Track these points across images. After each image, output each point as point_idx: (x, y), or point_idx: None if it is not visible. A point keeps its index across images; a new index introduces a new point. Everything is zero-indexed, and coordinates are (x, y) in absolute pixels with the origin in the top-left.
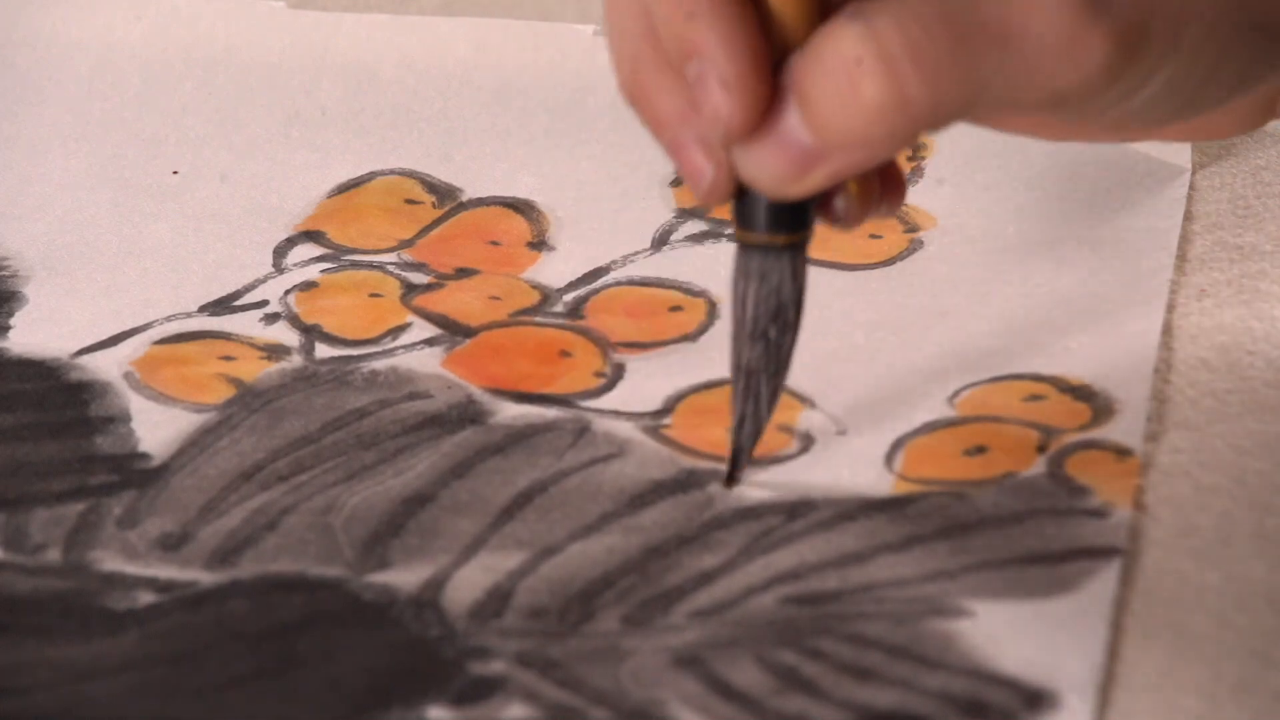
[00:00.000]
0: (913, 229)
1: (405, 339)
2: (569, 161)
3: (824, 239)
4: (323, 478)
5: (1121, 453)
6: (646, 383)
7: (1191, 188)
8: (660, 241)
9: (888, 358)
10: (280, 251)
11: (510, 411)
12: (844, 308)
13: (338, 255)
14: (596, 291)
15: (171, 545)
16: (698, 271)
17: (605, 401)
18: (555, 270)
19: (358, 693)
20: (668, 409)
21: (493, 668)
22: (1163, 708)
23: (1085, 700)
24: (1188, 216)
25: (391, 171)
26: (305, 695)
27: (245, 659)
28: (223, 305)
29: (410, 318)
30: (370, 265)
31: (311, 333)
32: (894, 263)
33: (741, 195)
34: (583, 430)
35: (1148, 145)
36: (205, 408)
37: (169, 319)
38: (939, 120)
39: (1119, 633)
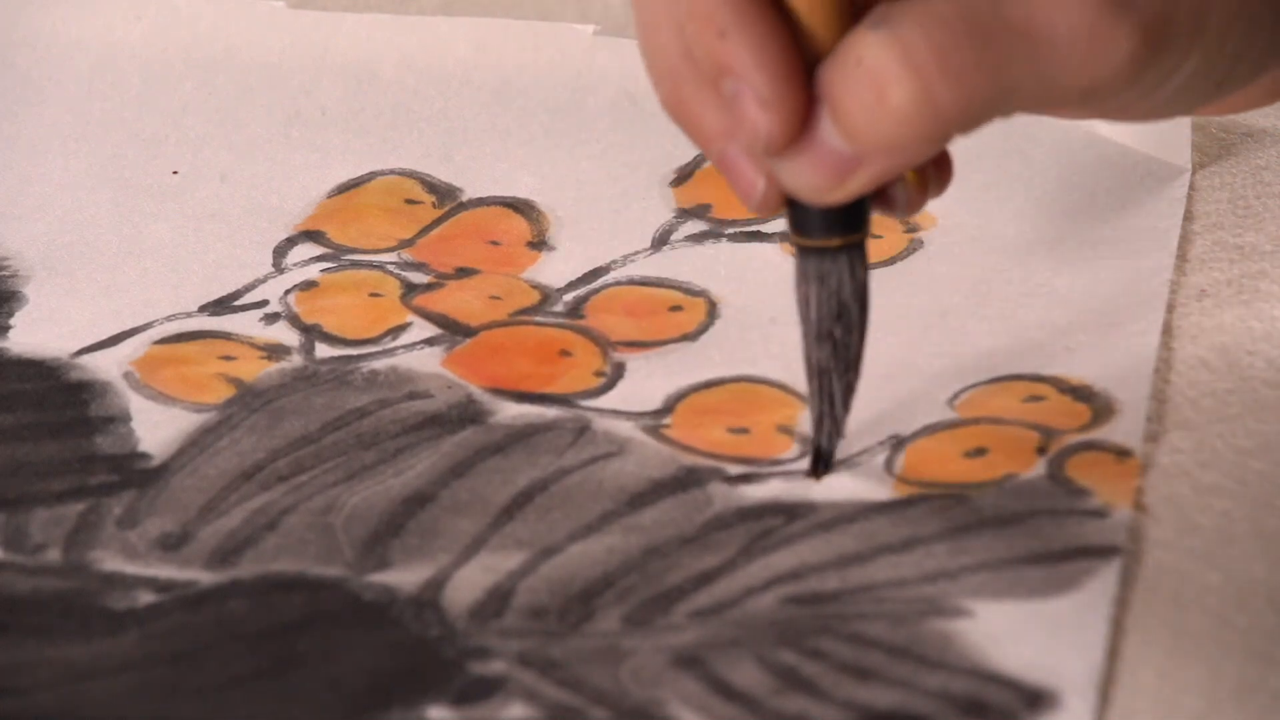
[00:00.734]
0: (913, 229)
1: (405, 339)
2: (569, 161)
3: None
4: (323, 478)
5: (1121, 454)
6: (646, 382)
7: (1191, 188)
8: (660, 241)
9: (888, 358)
10: (280, 251)
11: (510, 411)
12: None
13: (338, 255)
14: (596, 291)
15: (171, 545)
16: (698, 271)
17: (605, 401)
18: (555, 270)
19: (358, 693)
20: (668, 408)
21: (493, 668)
22: (1163, 708)
23: (1085, 700)
24: (1188, 216)
25: (391, 171)
26: (305, 695)
27: (245, 659)
28: (223, 305)
29: (410, 317)
30: (370, 265)
31: (311, 332)
32: (894, 263)
33: (794, 201)
34: (583, 429)
35: (1148, 145)
36: (205, 407)
37: (169, 319)
38: (969, 122)
39: (1119, 632)
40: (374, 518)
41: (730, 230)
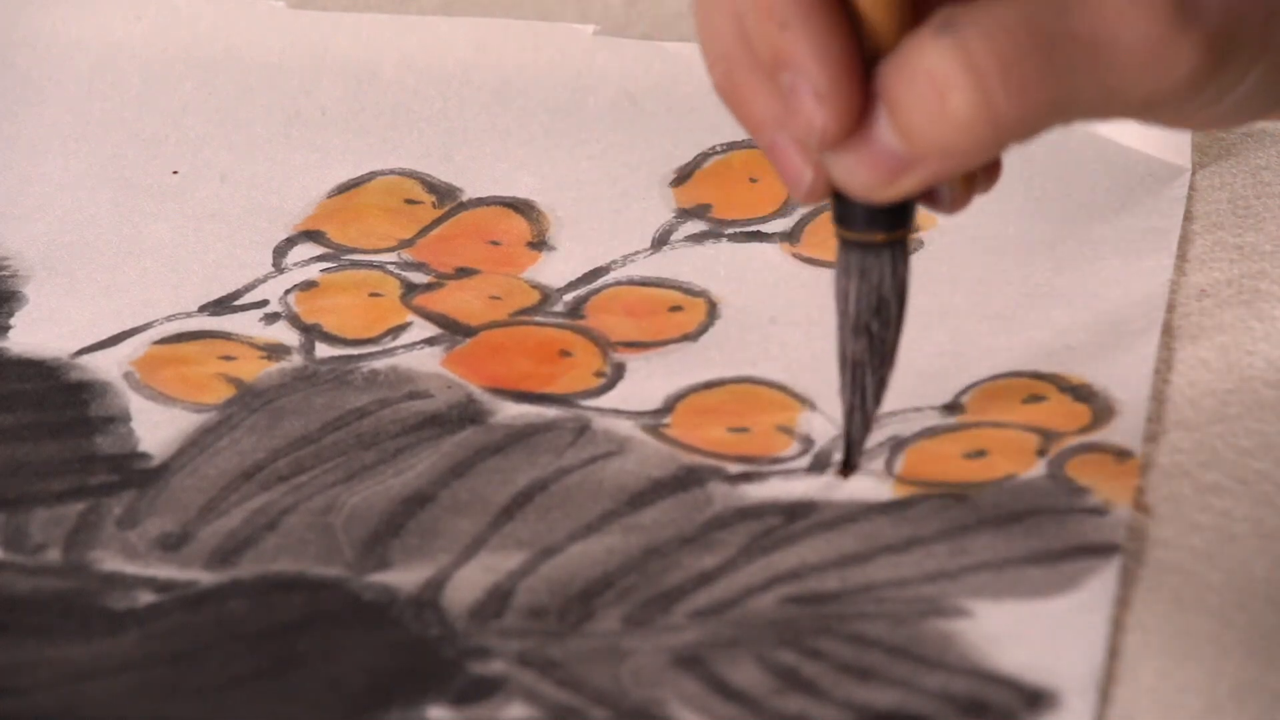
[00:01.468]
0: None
1: (405, 338)
2: (569, 161)
3: (824, 239)
4: (323, 478)
5: (1121, 454)
6: (646, 382)
7: (1191, 188)
8: (660, 241)
9: None
10: (280, 251)
11: (510, 411)
12: None
13: (338, 255)
14: (596, 291)
15: (171, 545)
16: (698, 271)
17: (605, 401)
18: (555, 270)
19: (358, 693)
20: (668, 408)
21: (493, 668)
22: (1163, 707)
23: (1085, 700)
24: (1188, 216)
25: (391, 171)
26: (305, 695)
27: (245, 659)
28: (223, 305)
29: (410, 317)
30: (370, 265)
31: (311, 332)
32: None
33: (839, 193)
34: (583, 429)
35: (1148, 145)
36: (205, 407)
37: (169, 319)
38: (1028, 131)
39: (1119, 632)
40: (374, 518)
41: (730, 230)
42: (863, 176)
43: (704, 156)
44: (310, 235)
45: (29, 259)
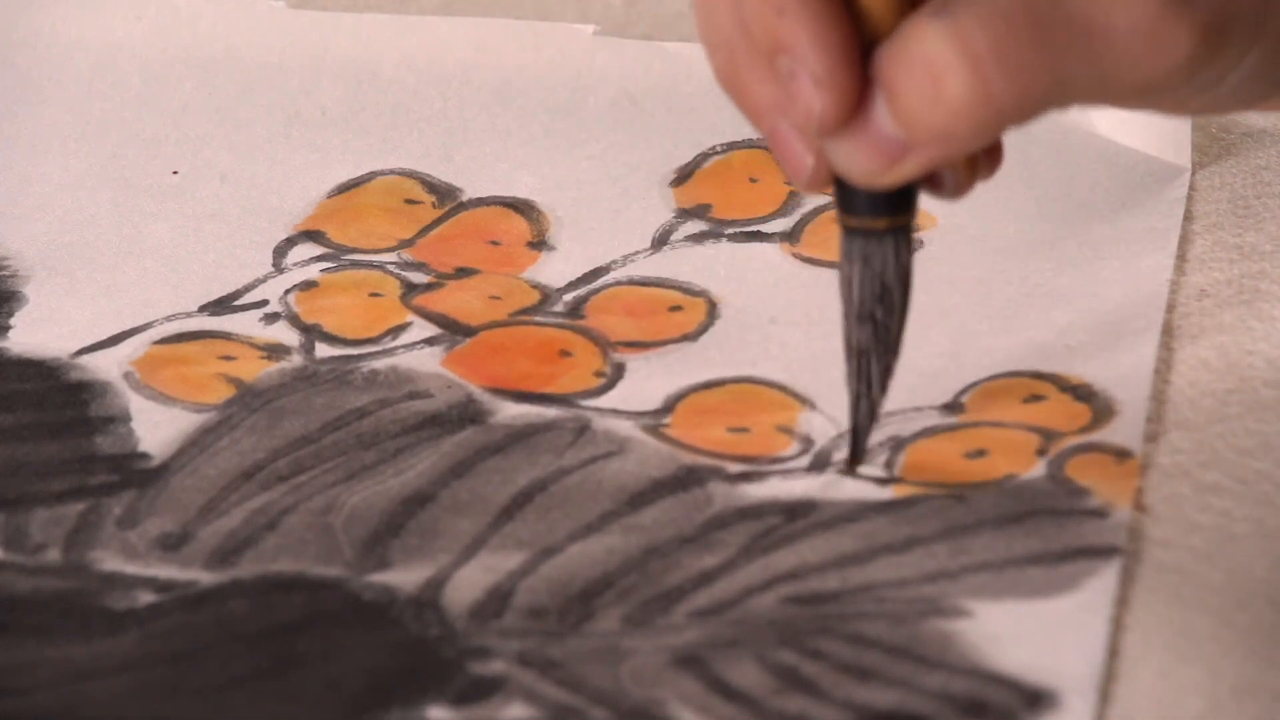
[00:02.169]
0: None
1: (405, 338)
2: (569, 161)
3: (824, 239)
4: (323, 478)
5: (1121, 454)
6: (646, 382)
7: (1191, 188)
8: (660, 241)
9: None
10: (280, 251)
11: (510, 411)
12: None
13: (338, 255)
14: (596, 291)
15: (171, 545)
16: (698, 271)
17: (605, 401)
18: (555, 270)
19: (358, 693)
20: (668, 408)
21: (493, 668)
22: (1163, 707)
23: (1085, 700)
24: (1188, 216)
25: (391, 171)
26: (305, 695)
27: (245, 659)
28: (223, 305)
29: (410, 317)
30: (370, 265)
31: (311, 332)
32: None
33: (841, 180)
34: (583, 429)
35: (1148, 145)
36: (205, 408)
37: (169, 319)
38: (1024, 115)
39: (1119, 632)
40: (374, 518)
41: (730, 230)
42: (862, 162)
43: (704, 156)
44: (310, 235)
45: (29, 259)
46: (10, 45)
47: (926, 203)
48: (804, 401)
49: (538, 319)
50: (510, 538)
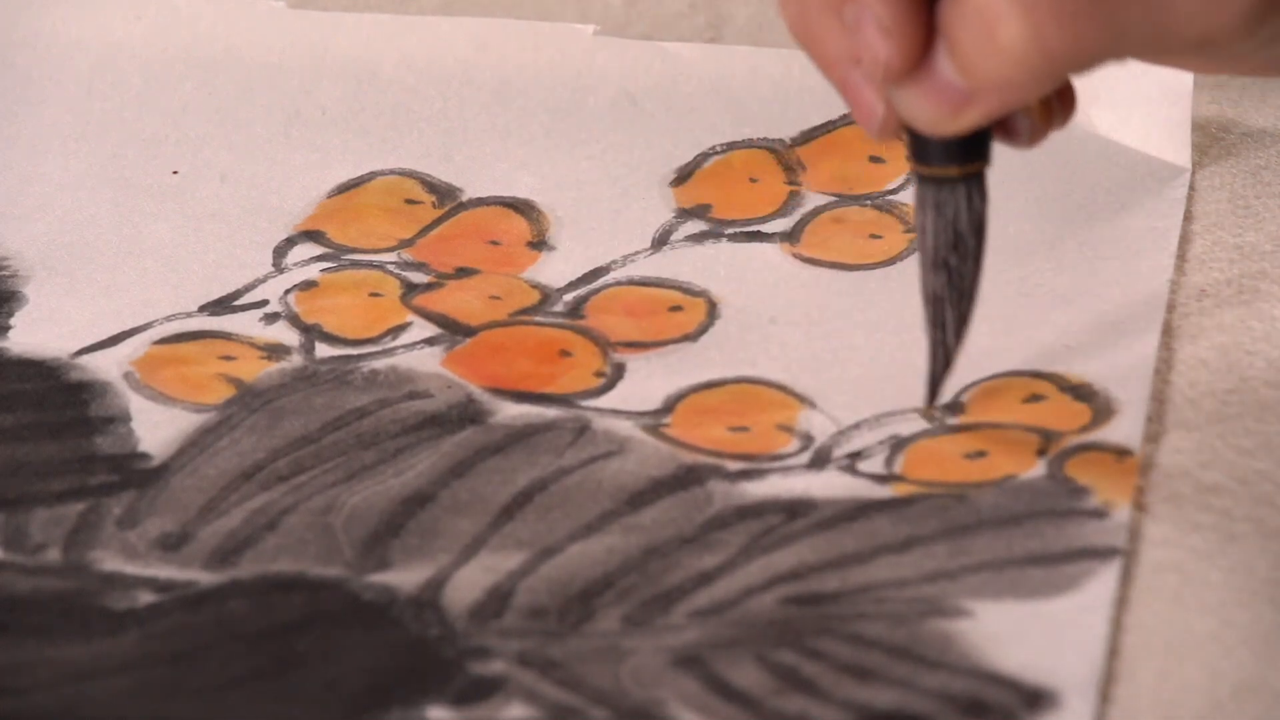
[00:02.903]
0: (913, 229)
1: (405, 338)
2: (569, 161)
3: (824, 239)
4: (323, 478)
5: (1121, 453)
6: (646, 382)
7: (1191, 188)
8: (660, 241)
9: (888, 358)
10: (280, 251)
11: (510, 411)
12: (844, 308)
13: (338, 255)
14: (596, 291)
15: (171, 545)
16: (698, 271)
17: (605, 401)
18: (555, 270)
19: (358, 693)
20: (668, 408)
21: (493, 668)
22: (1163, 708)
23: (1085, 700)
24: (1188, 216)
25: (391, 171)
26: (305, 695)
27: (245, 659)
28: (223, 305)
29: (410, 317)
30: (370, 265)
31: (311, 332)
32: (894, 263)
33: (912, 130)
34: (582, 429)
35: (1148, 145)
36: (205, 408)
37: (169, 319)
38: (1081, 64)
39: (1119, 632)
40: (374, 518)
41: (730, 230)
42: (928, 111)
43: (704, 156)
44: (310, 235)
45: (29, 259)
46: (10, 45)
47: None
48: (804, 401)
49: (538, 319)
50: (510, 538)
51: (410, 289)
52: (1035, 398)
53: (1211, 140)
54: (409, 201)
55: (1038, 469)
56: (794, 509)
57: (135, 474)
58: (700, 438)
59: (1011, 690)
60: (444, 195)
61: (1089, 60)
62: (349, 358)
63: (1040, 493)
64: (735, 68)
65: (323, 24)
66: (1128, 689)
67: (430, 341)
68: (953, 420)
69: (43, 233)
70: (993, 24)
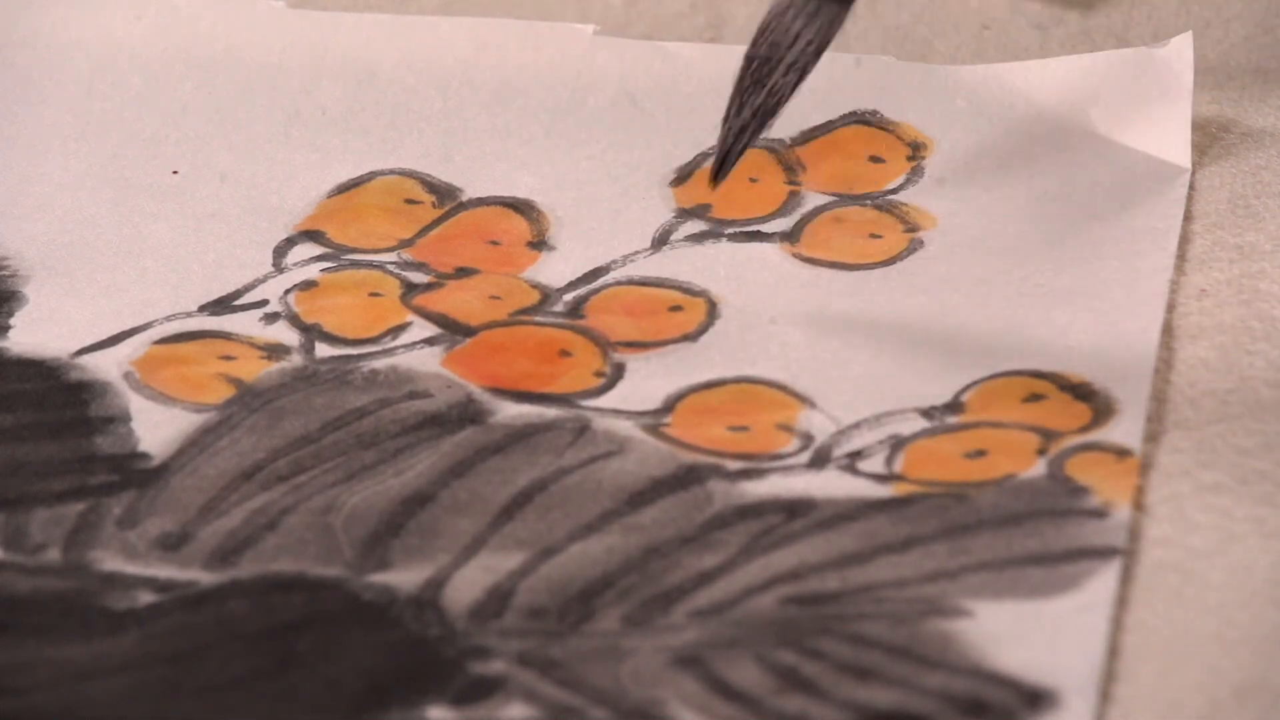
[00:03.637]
0: (913, 229)
1: (405, 338)
2: (569, 161)
3: (824, 239)
4: (323, 478)
5: (1121, 453)
6: (646, 383)
7: (1191, 188)
8: (660, 241)
9: (888, 358)
10: (280, 251)
11: (510, 411)
12: (844, 308)
13: (338, 255)
14: (596, 291)
15: (171, 545)
16: (698, 271)
17: (605, 401)
18: (555, 270)
19: (358, 693)
20: (668, 408)
21: (493, 668)
22: (1163, 707)
23: (1086, 700)
24: (1188, 216)
25: (391, 171)
26: (305, 695)
27: (245, 659)
28: (223, 305)
29: (410, 317)
30: (370, 265)
31: (311, 332)
32: (894, 263)
33: None
34: (583, 429)
35: (1148, 145)
36: (205, 407)
37: (169, 319)
38: None
39: (1119, 632)
40: (374, 518)
41: (730, 230)
42: None
43: (704, 156)
44: (310, 235)
45: (29, 259)
46: (10, 45)
47: (928, 202)
48: (804, 400)
49: (538, 319)
50: (510, 538)
51: (410, 289)
52: (1035, 397)
53: (1211, 140)
54: (409, 201)
55: (1038, 468)
56: (794, 509)
57: (135, 474)
58: (700, 437)
59: (1011, 690)
60: (444, 195)
61: None
62: (349, 358)
63: (1040, 492)
64: (735, 68)
65: (323, 24)
66: (1128, 689)
67: (430, 341)
68: (953, 420)
69: (43, 233)
70: None
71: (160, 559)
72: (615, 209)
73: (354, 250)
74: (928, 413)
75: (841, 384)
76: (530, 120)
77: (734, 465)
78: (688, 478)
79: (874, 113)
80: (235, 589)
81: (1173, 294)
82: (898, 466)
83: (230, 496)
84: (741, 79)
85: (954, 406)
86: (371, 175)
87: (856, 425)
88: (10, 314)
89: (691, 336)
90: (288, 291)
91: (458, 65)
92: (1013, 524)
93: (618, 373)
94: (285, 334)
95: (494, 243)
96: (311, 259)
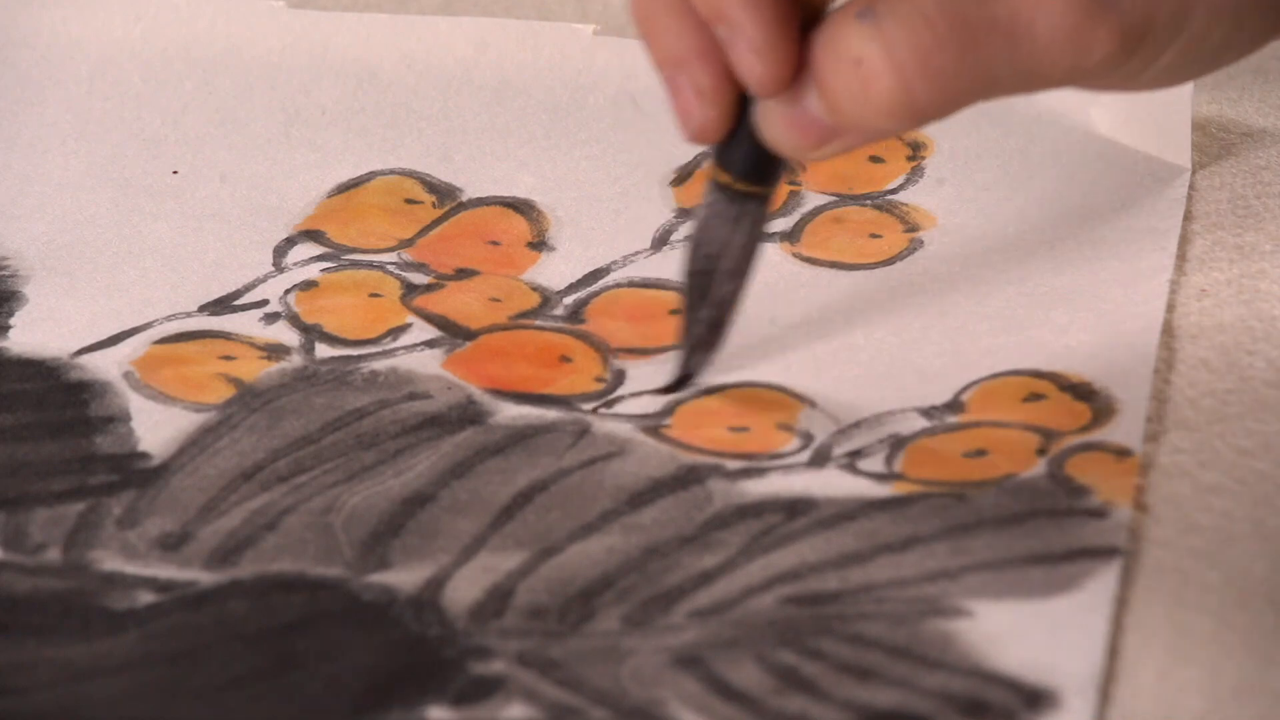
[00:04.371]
0: (913, 229)
1: (405, 340)
2: (569, 161)
3: (825, 239)
4: (323, 478)
5: (1121, 453)
6: (646, 388)
7: (1191, 188)
8: (660, 242)
9: (888, 358)
10: (280, 251)
11: (510, 411)
12: (844, 308)
13: (338, 255)
14: (597, 294)
15: (171, 545)
16: None
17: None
18: (555, 271)
19: (358, 693)
20: (668, 411)
21: (493, 668)
22: (1163, 708)
23: (1085, 700)
24: (1188, 216)
25: (391, 171)
26: (305, 695)
27: (245, 659)
28: (223, 305)
29: (410, 318)
30: (370, 265)
31: (311, 332)
32: (894, 263)
33: (728, 141)
34: (583, 430)
35: (1148, 145)
36: (205, 407)
37: (169, 319)
38: (945, 112)
39: (1119, 632)
40: (374, 518)
41: None
42: (793, 140)
43: (704, 156)
44: (310, 235)
45: (29, 259)
46: (10, 45)
47: (928, 202)
48: (804, 400)
49: (538, 323)
50: (510, 538)
51: (410, 290)
52: (1035, 397)
53: (1211, 140)
54: (409, 201)
55: (1038, 468)
56: (794, 508)
57: (135, 474)
58: (700, 438)
59: (1011, 690)
60: (444, 195)
61: (953, 108)
62: (349, 358)
63: (1040, 492)
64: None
65: (323, 24)
66: (1128, 689)
67: (430, 344)
68: (953, 419)
69: (43, 233)
70: (865, 78)
71: (160, 559)
72: (615, 209)
73: (354, 250)
74: (928, 412)
75: (841, 384)
76: (530, 120)
77: (734, 465)
78: (688, 478)
79: None
80: (235, 589)
81: (1173, 294)
82: (898, 466)
83: (230, 496)
84: (688, 297)
85: (954, 406)
86: (371, 175)
87: (857, 424)
88: (10, 314)
89: None
90: (288, 291)
91: (458, 65)
92: (1013, 524)
93: (618, 379)
94: (285, 334)
95: (494, 243)
96: (311, 259)
